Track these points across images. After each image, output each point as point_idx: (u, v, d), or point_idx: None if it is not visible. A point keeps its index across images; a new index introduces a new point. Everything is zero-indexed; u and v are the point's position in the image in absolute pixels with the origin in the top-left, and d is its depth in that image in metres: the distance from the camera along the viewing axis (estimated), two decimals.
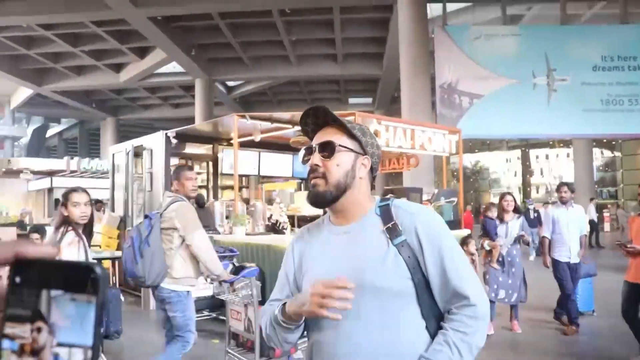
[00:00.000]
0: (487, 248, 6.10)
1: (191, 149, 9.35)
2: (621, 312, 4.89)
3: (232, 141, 8.74)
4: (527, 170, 46.95)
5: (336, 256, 1.44)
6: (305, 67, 26.33)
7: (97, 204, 11.07)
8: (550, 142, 40.98)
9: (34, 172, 13.56)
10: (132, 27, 20.46)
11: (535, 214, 13.85)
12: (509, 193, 6.58)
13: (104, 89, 31.11)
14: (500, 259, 6.06)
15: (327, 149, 1.44)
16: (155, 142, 7.80)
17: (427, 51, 17.10)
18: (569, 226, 6.14)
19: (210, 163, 9.28)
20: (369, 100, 34.39)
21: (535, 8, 20.43)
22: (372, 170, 1.51)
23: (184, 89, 30.78)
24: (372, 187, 1.53)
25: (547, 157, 47.31)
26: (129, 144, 8.31)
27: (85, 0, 18.30)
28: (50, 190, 13.06)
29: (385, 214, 1.44)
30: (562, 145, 41.86)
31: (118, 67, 27.03)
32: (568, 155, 43.79)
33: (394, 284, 1.36)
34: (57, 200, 13.65)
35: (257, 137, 7.14)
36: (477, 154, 47.62)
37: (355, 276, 1.33)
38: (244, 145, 8.35)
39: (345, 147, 1.45)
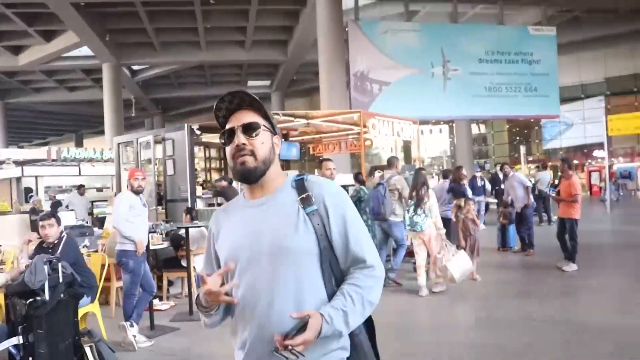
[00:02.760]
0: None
1: (206, 138, 10.67)
2: (556, 234, 8.09)
3: None
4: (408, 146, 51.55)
5: (253, 227, 1.51)
6: (213, 52, 27.13)
7: (81, 188, 11.93)
8: (433, 121, 45.45)
9: (16, 163, 13.27)
10: (42, 10, 20.13)
11: (482, 182, 13.02)
12: (461, 166, 9.09)
13: None
14: None
15: (252, 128, 1.51)
16: (176, 133, 9.09)
17: (342, 40, 19.04)
18: None
19: (222, 150, 10.68)
20: (267, 83, 35.72)
21: (428, 6, 23.50)
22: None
23: (85, 72, 29.96)
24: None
25: (422, 132, 52.34)
26: (148, 135, 9.52)
27: None
28: (19, 179, 12.91)
29: (300, 187, 1.54)
30: (441, 122, 46.70)
31: (17, 50, 25.81)
32: (441, 131, 49.03)
33: (305, 248, 1.47)
34: (27, 189, 13.75)
35: None
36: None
37: (271, 242, 1.47)
38: None
39: (266, 127, 1.55)
